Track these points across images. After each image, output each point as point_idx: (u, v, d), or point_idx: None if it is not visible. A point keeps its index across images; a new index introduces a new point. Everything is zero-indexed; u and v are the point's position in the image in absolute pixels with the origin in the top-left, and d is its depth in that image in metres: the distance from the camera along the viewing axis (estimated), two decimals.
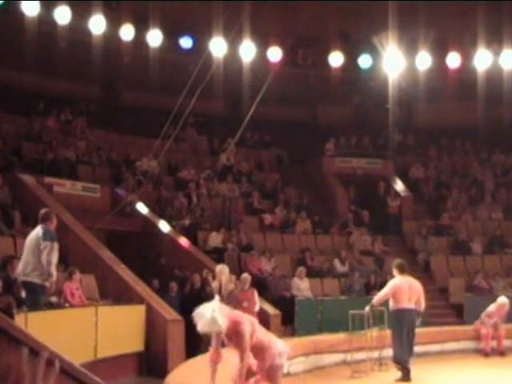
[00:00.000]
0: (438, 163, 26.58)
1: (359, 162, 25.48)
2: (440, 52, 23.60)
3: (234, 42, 21.07)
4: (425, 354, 15.80)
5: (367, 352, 14.25)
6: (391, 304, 12.70)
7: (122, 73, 24.74)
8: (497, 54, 22.96)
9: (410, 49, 22.63)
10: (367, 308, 13.55)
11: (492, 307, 17.55)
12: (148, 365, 13.65)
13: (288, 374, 12.01)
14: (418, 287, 12.80)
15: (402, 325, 12.39)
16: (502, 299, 17.63)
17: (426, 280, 18.07)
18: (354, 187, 24.64)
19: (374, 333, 14.44)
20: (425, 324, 15.41)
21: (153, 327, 13.83)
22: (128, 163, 21.90)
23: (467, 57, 23.28)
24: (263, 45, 22.95)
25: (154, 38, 22.42)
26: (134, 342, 13.55)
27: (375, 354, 14.50)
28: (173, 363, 12.73)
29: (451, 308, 20.28)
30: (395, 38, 20.72)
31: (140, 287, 14.72)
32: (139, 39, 22.30)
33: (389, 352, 13.41)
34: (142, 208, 19.68)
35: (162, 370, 12.34)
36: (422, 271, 21.14)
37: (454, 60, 23.70)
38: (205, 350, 9.74)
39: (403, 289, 12.54)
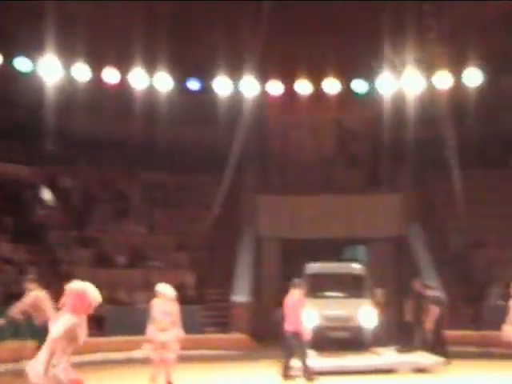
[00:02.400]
0: (87, 174, 26.38)
1: (6, 166, 24.39)
2: (98, 66, 23.60)
3: None
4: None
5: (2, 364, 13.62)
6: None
7: None
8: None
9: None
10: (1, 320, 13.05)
11: None
12: None
13: None
14: None
15: None
16: None
17: None
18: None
19: (10, 344, 13.82)
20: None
21: None
22: None
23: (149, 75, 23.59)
24: None
25: None
26: None
27: (11, 366, 13.87)
28: None
29: (92, 320, 20.13)
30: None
31: None
32: None
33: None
34: None
35: None
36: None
37: (112, 75, 23.84)
38: None
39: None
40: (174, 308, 13.71)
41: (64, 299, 7.29)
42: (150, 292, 21.81)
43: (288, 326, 13.93)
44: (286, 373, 14.28)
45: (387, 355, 17.36)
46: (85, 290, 7.30)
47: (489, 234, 24.42)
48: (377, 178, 26.97)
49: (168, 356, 13.10)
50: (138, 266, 23.11)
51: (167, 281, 22.46)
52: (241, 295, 22.38)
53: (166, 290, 13.87)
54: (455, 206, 23.18)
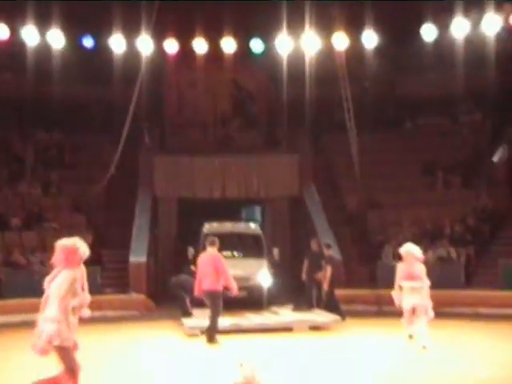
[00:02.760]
0: None
1: None
2: None
3: None
4: None
5: None
6: None
7: None
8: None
9: None
10: None
11: None
12: None
13: None
14: None
15: None
16: None
17: None
18: None
19: None
20: None
21: None
22: None
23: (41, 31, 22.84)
24: None
25: None
26: None
27: None
28: None
29: None
30: None
31: None
32: None
33: None
34: None
35: None
36: None
37: (2, 31, 22.98)
38: None
39: None
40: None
41: (55, 256, 7.78)
42: (47, 254, 21.72)
43: (205, 285, 13.84)
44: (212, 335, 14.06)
45: (284, 314, 17.70)
46: (75, 245, 7.85)
47: (384, 195, 25.06)
48: (274, 139, 27.17)
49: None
50: (33, 227, 22.65)
51: None
52: (138, 256, 22.23)
53: None
54: (352, 167, 23.62)
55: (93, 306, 18.88)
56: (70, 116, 25.52)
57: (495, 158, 24.87)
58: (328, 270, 17.84)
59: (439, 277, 20.13)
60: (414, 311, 12.40)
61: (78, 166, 25.55)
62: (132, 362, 12.30)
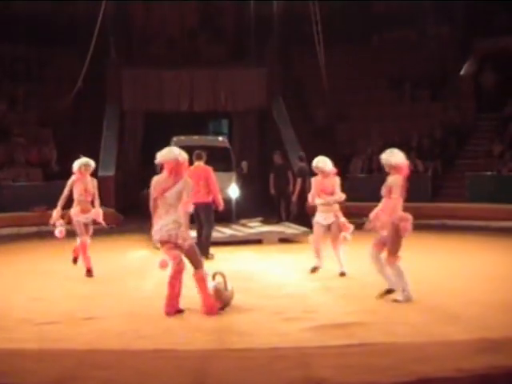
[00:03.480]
0: None
1: None
2: None
3: None
4: None
5: None
6: None
7: None
8: None
9: None
10: None
11: None
12: None
13: None
14: None
15: None
16: None
17: None
18: None
19: None
20: None
21: None
22: None
23: None
24: None
25: None
26: None
27: None
28: None
29: None
30: None
31: None
32: None
33: None
34: None
35: None
36: None
37: None
38: None
39: None
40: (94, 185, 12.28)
41: (169, 166, 8.66)
42: (14, 169, 21.66)
43: (198, 199, 12.98)
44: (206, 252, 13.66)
45: (254, 226, 17.91)
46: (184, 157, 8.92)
47: (353, 108, 25.08)
48: (242, 52, 26.94)
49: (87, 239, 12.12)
50: (0, 142, 22.40)
51: (31, 157, 22.43)
52: (106, 170, 22.16)
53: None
54: (320, 80, 23.55)
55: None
56: (36, 29, 24.92)
57: (462, 71, 24.88)
58: (298, 183, 17.90)
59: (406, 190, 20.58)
60: (329, 228, 11.77)
61: (44, 80, 25.12)
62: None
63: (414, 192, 20.15)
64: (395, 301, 9.20)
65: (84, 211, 12.02)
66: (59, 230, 11.94)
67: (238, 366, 6.05)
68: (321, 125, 25.22)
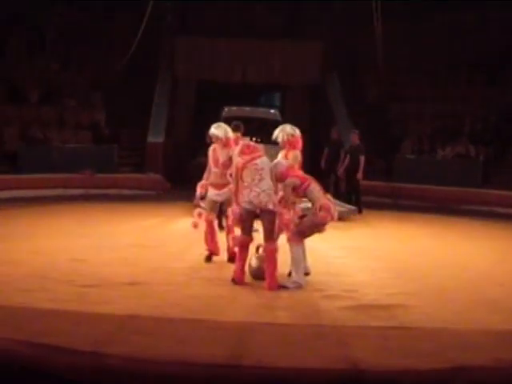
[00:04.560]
0: None
1: None
2: None
3: None
4: None
5: None
6: None
7: None
8: None
9: None
10: None
11: None
12: None
13: None
14: None
15: None
16: None
17: None
18: None
19: None
20: None
21: None
22: None
23: None
24: None
25: None
26: None
27: None
28: None
29: (5, 158, 19.95)
30: None
31: None
32: None
33: None
34: None
35: None
36: None
37: None
38: None
39: None
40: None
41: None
42: (64, 130, 21.83)
43: None
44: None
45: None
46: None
47: (406, 88, 24.68)
48: (297, 25, 26.62)
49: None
50: (51, 103, 22.53)
51: (81, 120, 22.58)
52: (156, 136, 22.32)
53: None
54: (375, 58, 23.21)
55: (108, 183, 19.42)
56: None
57: None
58: (347, 160, 17.83)
59: (457, 174, 20.29)
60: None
61: (98, 44, 25.08)
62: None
63: (464, 177, 20.23)
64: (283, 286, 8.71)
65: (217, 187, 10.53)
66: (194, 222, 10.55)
67: (276, 340, 5.99)
68: (373, 103, 24.85)
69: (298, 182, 8.77)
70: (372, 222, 16.14)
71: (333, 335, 6.31)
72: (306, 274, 9.18)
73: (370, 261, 10.99)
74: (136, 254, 10.82)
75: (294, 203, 8.92)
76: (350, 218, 16.01)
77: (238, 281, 8.78)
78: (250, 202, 8.74)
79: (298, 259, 8.86)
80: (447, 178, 20.21)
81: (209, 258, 10.24)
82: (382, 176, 21.35)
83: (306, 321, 7.18)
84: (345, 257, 11.36)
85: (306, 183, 8.82)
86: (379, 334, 6.36)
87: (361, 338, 6.27)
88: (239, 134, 12.55)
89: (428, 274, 9.88)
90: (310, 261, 9.47)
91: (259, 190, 8.70)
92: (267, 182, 8.77)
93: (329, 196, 9.45)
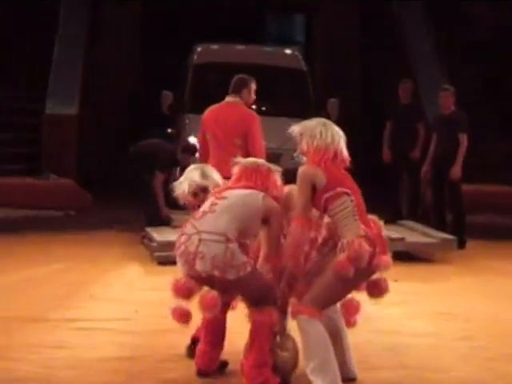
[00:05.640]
0: None
1: None
2: None
3: None
4: None
5: None
6: None
7: None
8: None
9: None
10: None
11: None
12: None
13: None
14: None
15: None
16: None
17: None
18: None
19: None
20: None
21: None
22: None
23: None
24: None
25: None
26: None
27: None
28: None
29: None
30: None
31: None
32: None
33: None
34: None
35: None
36: None
37: None
38: None
39: None
40: None
41: None
42: None
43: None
44: None
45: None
46: None
47: None
48: None
49: None
50: None
51: None
52: (64, 105, 14.91)
53: None
54: None
55: None
56: None
57: None
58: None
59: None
60: None
61: None
62: None
63: None
64: None
65: None
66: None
67: None
68: (488, 41, 17.13)
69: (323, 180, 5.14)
70: (486, 265, 11.07)
71: None
72: (350, 380, 5.73)
73: (481, 349, 6.49)
74: None
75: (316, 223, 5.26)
76: (442, 255, 11.27)
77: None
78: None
79: (317, 345, 5.30)
80: None
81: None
82: (503, 172, 14.98)
83: None
84: (433, 334, 7.24)
85: (338, 191, 5.15)
86: None
87: None
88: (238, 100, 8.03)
89: None
90: (360, 351, 6.23)
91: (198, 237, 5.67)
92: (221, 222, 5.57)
93: (377, 222, 5.42)
